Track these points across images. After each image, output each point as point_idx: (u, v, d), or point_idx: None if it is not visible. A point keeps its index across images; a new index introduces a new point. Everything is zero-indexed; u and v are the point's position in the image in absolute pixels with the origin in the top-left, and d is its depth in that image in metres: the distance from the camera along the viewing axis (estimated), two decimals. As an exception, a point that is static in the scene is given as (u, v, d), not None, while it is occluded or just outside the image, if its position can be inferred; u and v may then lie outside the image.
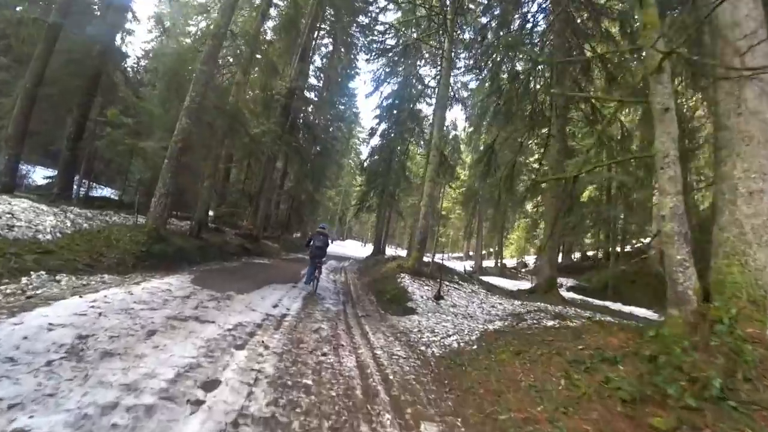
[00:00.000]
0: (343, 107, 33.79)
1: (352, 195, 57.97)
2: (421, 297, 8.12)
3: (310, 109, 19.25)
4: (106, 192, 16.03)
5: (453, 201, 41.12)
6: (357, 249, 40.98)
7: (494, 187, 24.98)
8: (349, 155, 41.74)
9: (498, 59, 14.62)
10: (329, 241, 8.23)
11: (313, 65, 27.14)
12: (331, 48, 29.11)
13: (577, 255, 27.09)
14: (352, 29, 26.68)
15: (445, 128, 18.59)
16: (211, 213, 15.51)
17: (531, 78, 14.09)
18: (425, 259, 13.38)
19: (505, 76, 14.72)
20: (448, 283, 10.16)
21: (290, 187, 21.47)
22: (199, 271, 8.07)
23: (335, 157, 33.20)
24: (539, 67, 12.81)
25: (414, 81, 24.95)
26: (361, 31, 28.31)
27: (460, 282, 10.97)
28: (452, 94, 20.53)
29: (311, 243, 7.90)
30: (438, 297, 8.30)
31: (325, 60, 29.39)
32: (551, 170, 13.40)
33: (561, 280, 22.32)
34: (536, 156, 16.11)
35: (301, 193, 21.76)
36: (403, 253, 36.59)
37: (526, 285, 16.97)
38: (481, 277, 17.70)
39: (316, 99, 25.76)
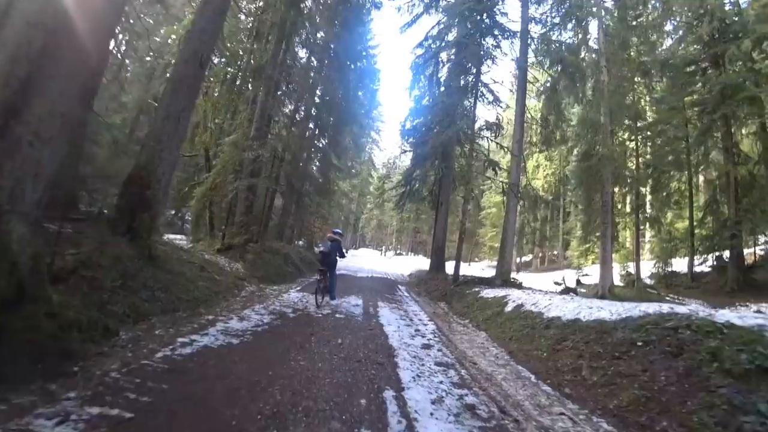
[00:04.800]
0: (360, 60, 22.97)
1: (367, 195, 47.40)
2: None
3: None
4: None
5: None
6: (381, 261, 29.90)
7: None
8: (368, 134, 30.90)
9: None
10: (342, 247, 6.79)
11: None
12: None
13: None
14: None
15: None
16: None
17: None
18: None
19: None
20: None
21: (274, 137, 10.28)
22: None
23: (352, 125, 22.47)
24: None
25: None
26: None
27: None
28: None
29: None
30: None
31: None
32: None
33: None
34: None
35: (300, 152, 10.76)
36: (471, 268, 25.27)
37: None
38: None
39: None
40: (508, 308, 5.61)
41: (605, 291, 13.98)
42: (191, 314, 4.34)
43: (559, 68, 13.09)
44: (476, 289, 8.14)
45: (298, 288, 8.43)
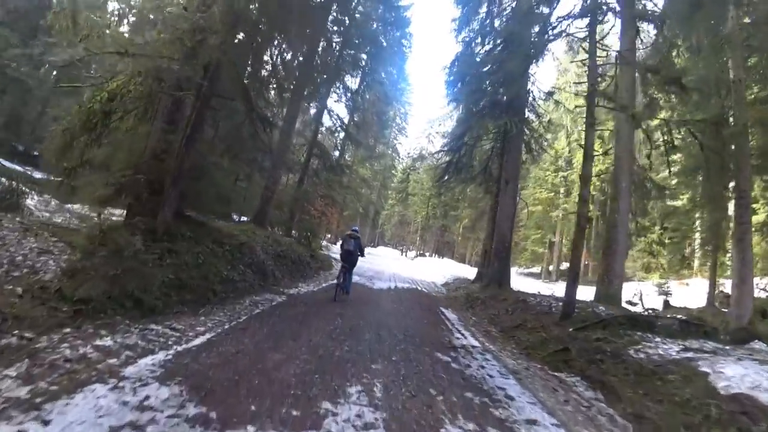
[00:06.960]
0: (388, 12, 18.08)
1: (389, 189, 42.43)
2: None
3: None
4: None
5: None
6: (404, 264, 24.85)
7: None
8: (393, 108, 25.93)
9: None
10: (361, 245, 7.01)
11: None
12: None
13: None
14: None
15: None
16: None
17: None
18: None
19: None
20: None
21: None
22: None
23: (376, 90, 17.79)
24: None
25: None
26: None
27: None
28: None
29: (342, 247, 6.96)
30: None
31: None
32: None
33: None
34: None
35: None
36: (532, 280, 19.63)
37: None
38: None
39: None
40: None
41: (743, 323, 8.30)
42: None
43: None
44: (672, 354, 3.02)
45: (207, 337, 3.26)
